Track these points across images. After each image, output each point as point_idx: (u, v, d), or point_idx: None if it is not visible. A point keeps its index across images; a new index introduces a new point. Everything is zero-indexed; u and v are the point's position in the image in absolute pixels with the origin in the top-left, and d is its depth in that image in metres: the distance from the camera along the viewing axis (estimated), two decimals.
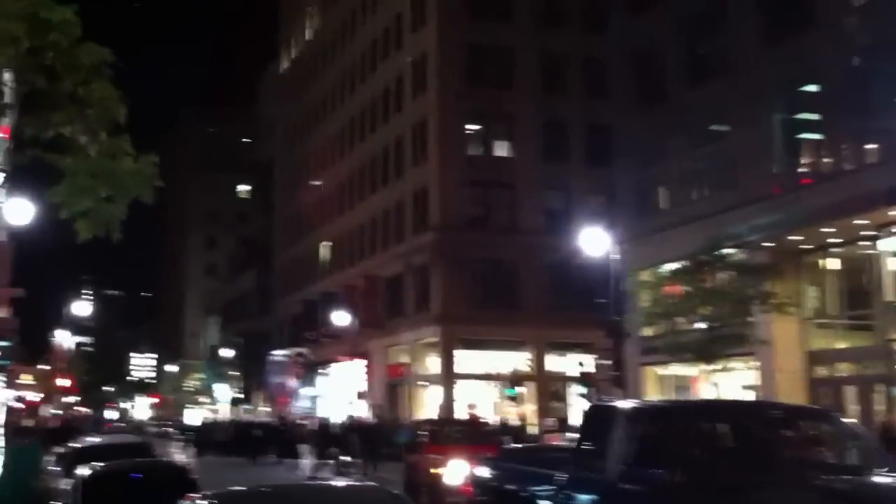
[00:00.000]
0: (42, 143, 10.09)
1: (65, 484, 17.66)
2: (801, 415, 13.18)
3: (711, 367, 28.97)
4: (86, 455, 19.03)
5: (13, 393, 50.63)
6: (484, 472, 17.25)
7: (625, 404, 13.21)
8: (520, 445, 30.12)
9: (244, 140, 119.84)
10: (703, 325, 29.10)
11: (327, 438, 42.05)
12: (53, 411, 71.18)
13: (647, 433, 10.97)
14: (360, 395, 58.25)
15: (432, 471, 25.46)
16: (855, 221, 28.04)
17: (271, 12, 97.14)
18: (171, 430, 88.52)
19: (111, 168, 9.94)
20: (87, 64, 9.94)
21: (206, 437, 63.69)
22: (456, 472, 23.71)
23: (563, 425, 44.14)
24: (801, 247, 30.98)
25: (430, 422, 39.01)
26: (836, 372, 31.26)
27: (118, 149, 10.10)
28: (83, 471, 15.85)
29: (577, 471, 12.14)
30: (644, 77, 38.89)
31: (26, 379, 70.90)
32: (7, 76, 10.61)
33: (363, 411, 56.51)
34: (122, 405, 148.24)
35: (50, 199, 9.77)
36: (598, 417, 12.90)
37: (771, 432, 11.36)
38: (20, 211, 23.10)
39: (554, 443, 34.74)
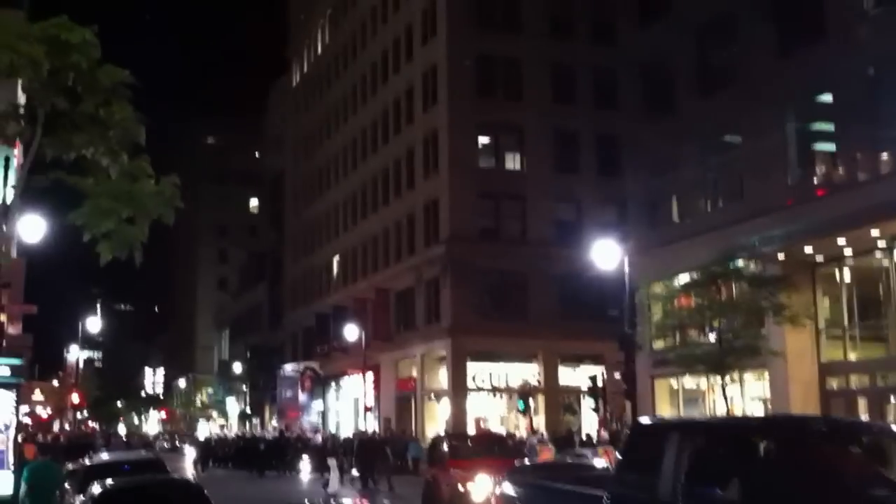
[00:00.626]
0: (63, 164, 10.09)
1: (77, 501, 17.65)
2: (865, 430, 12.64)
3: (724, 379, 28.90)
4: (98, 472, 19.00)
5: (24, 409, 50.72)
6: (510, 489, 16.36)
7: (677, 420, 12.84)
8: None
9: (254, 153, 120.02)
10: (715, 337, 29.09)
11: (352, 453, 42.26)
12: (66, 427, 71.34)
13: (703, 450, 10.43)
14: (368, 409, 58.21)
15: (459, 487, 24.80)
16: (869, 232, 27.92)
17: (282, 25, 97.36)
18: (184, 444, 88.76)
19: (132, 190, 9.92)
20: (106, 85, 9.94)
21: (210, 452, 64.33)
22: (483, 488, 23.04)
23: (570, 439, 43.83)
24: (815, 258, 30.87)
25: (450, 435, 38.28)
26: (850, 383, 31.14)
27: (139, 170, 10.08)
28: (95, 488, 15.83)
29: (623, 489, 11.67)
30: (654, 87, 38.85)
31: (37, 395, 71.01)
32: (22, 98, 10.68)
33: (371, 425, 56.55)
34: (134, 420, 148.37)
35: (72, 221, 9.74)
36: (646, 433, 12.43)
37: (833, 448, 10.87)
38: (32, 228, 23.15)
39: (545, 458, 34.35)
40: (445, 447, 30.06)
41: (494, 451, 29.19)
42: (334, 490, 35.82)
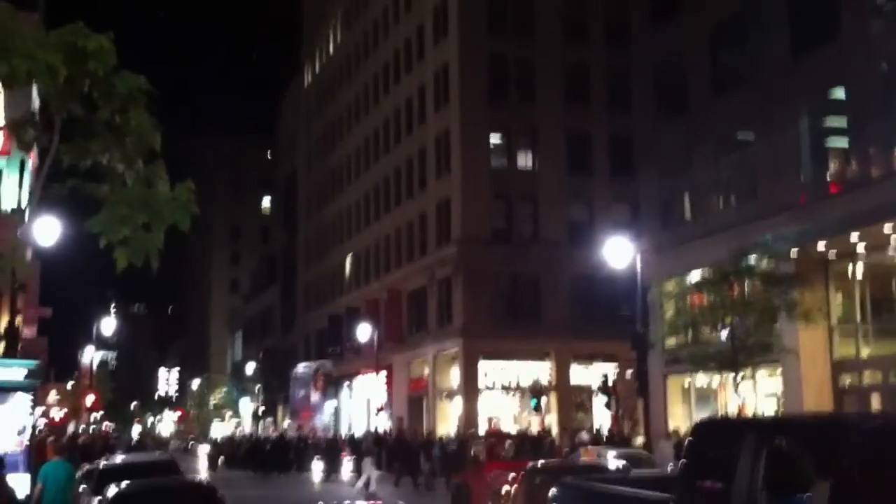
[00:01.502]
0: (79, 171, 10.17)
1: (94, 502, 17.78)
2: None
3: (736, 376, 28.90)
4: (113, 473, 19.11)
5: (40, 410, 50.94)
6: (553, 492, 14.74)
7: (754, 418, 11.83)
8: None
9: (267, 155, 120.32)
10: (727, 335, 29.10)
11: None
12: (80, 428, 71.60)
13: (786, 453, 9.03)
14: (380, 409, 58.39)
15: (503, 490, 22.51)
16: (883, 228, 27.86)
17: (295, 27, 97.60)
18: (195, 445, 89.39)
19: (148, 196, 10.01)
20: (122, 92, 10.03)
21: (219, 452, 66.00)
22: None
23: (575, 439, 43.51)
24: (828, 255, 30.84)
25: (485, 435, 36.37)
26: (863, 380, 31.09)
27: (154, 176, 10.16)
28: (111, 490, 15.95)
29: (687, 498, 10.63)
30: (667, 87, 38.85)
31: (52, 397, 71.27)
32: (37, 105, 10.82)
33: (384, 424, 56.71)
34: (149, 421, 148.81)
35: (89, 229, 9.82)
36: (715, 433, 11.56)
37: None
38: (47, 231, 23.28)
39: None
40: (480, 449, 27.90)
41: (531, 452, 27.33)
42: (375, 489, 36.11)
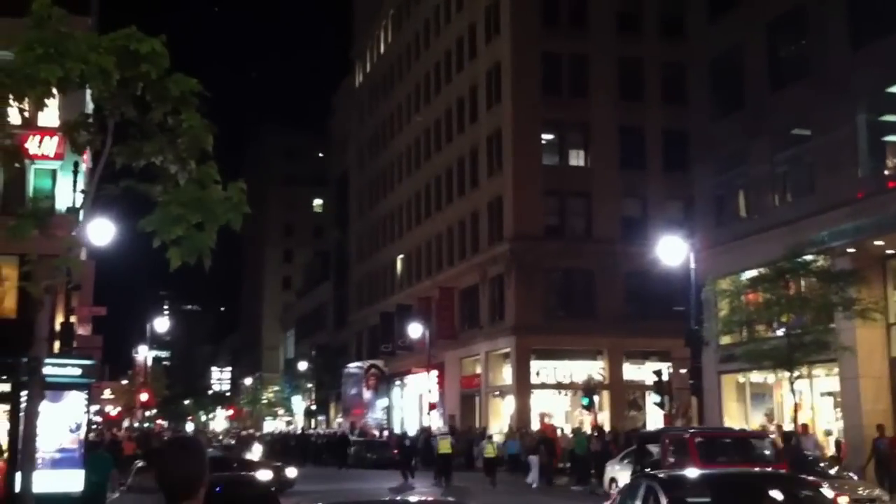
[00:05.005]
0: (132, 172, 10.28)
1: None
2: None
3: (792, 374, 28.58)
4: None
5: (95, 407, 51.60)
6: None
7: None
8: None
9: (319, 154, 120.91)
10: (783, 333, 28.80)
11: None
12: (136, 425, 72.55)
13: None
14: (433, 407, 58.40)
15: None
16: None
17: (346, 27, 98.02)
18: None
19: (201, 196, 10.08)
20: (175, 94, 10.10)
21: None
22: None
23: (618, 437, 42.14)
24: (886, 251, 30.41)
25: (683, 429, 29.45)
26: None
27: (207, 177, 10.23)
28: None
29: None
30: (723, 81, 38.47)
31: (107, 394, 72.11)
32: (90, 108, 10.94)
33: (436, 422, 56.71)
34: (202, 418, 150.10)
35: (142, 228, 9.92)
36: None
37: None
38: (101, 231, 23.53)
39: None
40: (669, 444, 21.57)
41: (750, 453, 21.54)
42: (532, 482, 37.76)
